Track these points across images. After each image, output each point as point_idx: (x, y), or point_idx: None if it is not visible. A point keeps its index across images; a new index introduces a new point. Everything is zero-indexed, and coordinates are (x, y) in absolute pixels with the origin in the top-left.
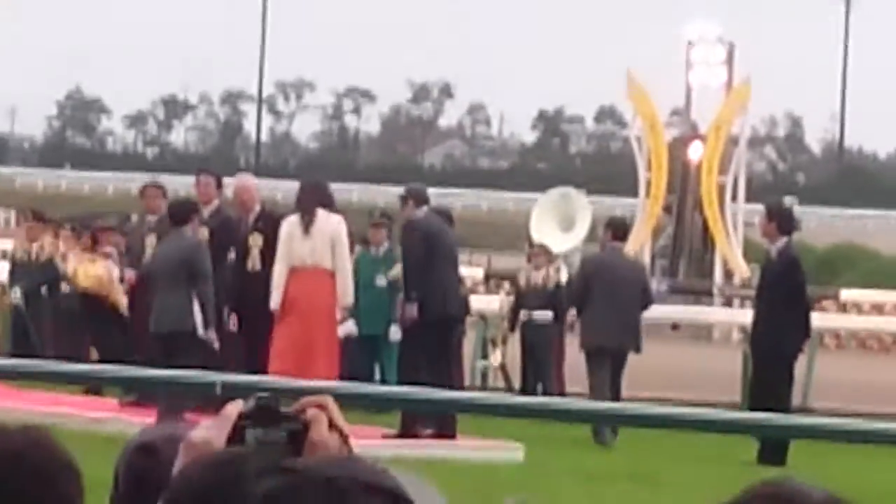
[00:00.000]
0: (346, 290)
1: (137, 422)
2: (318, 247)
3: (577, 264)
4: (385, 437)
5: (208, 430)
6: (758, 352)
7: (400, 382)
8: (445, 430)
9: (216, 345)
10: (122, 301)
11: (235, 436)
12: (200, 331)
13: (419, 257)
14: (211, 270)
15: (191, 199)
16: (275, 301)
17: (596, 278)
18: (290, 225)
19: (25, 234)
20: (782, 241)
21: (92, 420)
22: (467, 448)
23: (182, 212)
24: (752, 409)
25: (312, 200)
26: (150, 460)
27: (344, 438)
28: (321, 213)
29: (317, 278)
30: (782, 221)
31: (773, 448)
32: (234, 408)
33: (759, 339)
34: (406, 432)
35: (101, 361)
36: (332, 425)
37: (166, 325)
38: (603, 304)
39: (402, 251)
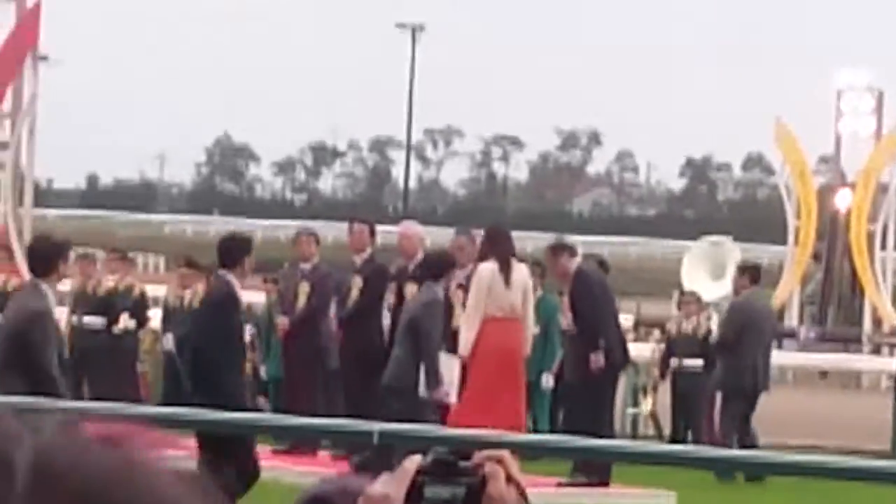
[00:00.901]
0: (529, 340)
1: (291, 470)
2: (518, 297)
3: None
4: (560, 485)
5: (386, 485)
6: None
7: (579, 431)
8: (600, 478)
9: (450, 398)
10: None
11: (414, 491)
12: (422, 391)
13: (599, 306)
14: (438, 331)
15: (448, 253)
16: (466, 348)
17: (748, 323)
18: (491, 273)
19: (178, 281)
20: None
21: None
22: (621, 496)
23: (437, 266)
24: None
25: (506, 249)
26: None
27: (521, 493)
28: (514, 263)
29: (515, 328)
30: None
31: None
32: (413, 462)
33: None
34: (587, 481)
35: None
36: (509, 479)
37: (388, 379)
38: (756, 349)
39: (576, 301)
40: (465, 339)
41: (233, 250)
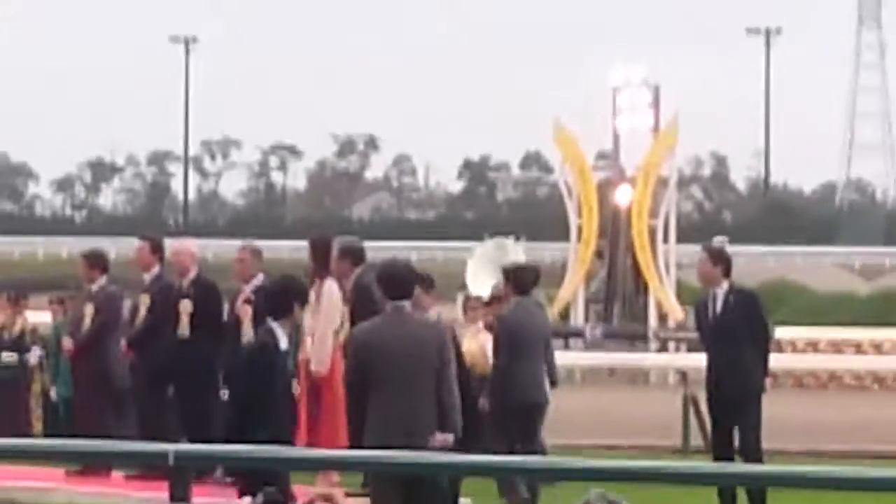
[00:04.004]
0: None
1: (83, 491)
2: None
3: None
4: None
5: None
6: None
7: None
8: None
9: None
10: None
11: None
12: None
13: None
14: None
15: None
16: (324, 365)
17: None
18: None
19: None
20: (726, 283)
21: (38, 490)
22: None
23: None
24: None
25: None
26: None
27: None
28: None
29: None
30: (725, 264)
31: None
32: None
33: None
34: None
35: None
36: None
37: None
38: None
39: (355, 315)
40: (321, 356)
41: None
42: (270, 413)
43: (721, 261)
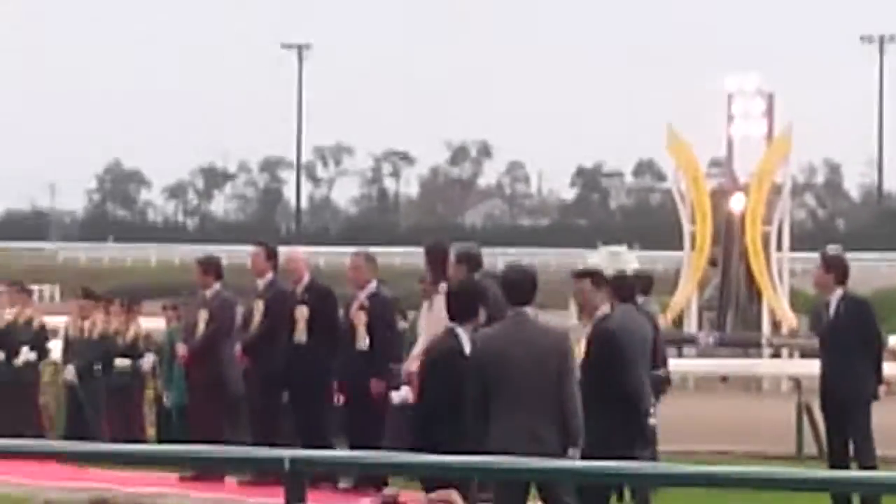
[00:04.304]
0: None
1: (197, 496)
2: None
3: None
4: None
5: None
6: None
7: None
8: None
9: None
10: None
11: None
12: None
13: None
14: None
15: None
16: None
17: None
18: None
19: (78, 311)
20: (839, 290)
21: (152, 495)
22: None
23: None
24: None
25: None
26: None
27: None
28: None
29: None
30: (838, 271)
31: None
32: None
33: (835, 389)
34: None
35: None
36: None
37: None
38: None
39: None
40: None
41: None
42: (456, 417)
43: (834, 268)
